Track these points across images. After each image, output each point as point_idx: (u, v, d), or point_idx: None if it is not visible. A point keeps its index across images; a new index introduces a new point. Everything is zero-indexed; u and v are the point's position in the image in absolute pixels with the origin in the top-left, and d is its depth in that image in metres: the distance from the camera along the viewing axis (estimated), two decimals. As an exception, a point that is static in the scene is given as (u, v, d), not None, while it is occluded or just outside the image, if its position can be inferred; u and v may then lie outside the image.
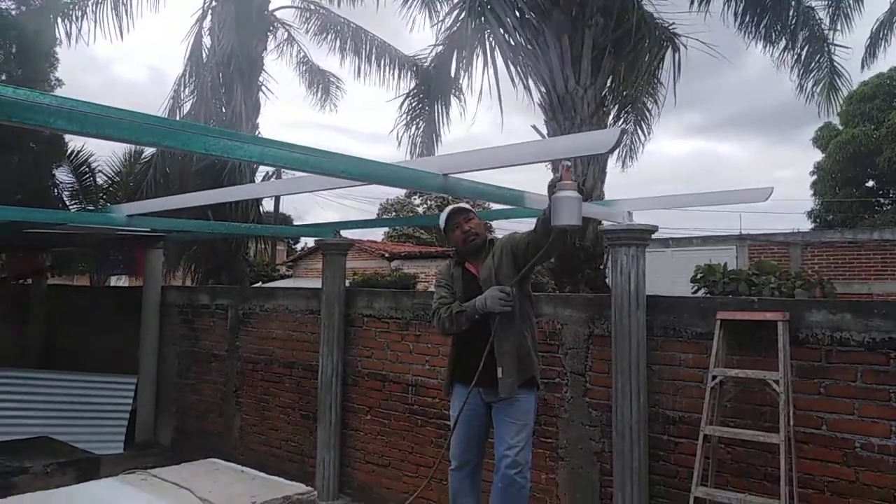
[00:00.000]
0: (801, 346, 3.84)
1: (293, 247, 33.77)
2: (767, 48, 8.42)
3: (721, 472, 4.03)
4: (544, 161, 2.97)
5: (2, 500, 4.00)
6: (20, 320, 10.02)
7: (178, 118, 10.64)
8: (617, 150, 9.91)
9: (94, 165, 12.31)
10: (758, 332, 3.97)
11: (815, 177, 26.94)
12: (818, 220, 25.96)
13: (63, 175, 11.86)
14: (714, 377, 3.89)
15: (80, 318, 9.61)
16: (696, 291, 7.54)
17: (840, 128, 24.81)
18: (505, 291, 3.11)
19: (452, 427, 3.37)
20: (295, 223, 28.75)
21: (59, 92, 9.77)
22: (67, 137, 10.35)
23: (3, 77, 8.09)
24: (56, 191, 11.48)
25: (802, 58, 8.52)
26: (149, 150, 10.71)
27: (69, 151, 11.42)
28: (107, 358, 8.71)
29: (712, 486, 3.86)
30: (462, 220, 3.38)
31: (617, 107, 9.26)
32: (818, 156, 26.52)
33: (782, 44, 8.42)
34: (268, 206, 25.37)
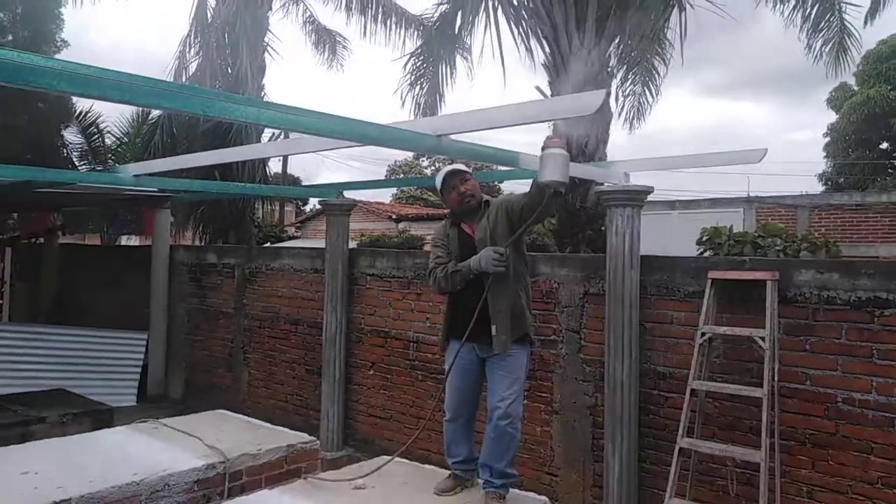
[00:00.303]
0: (789, 304, 3.93)
1: (302, 208, 33.89)
2: (777, 6, 8.27)
3: (707, 424, 4.17)
4: (532, 122, 3.01)
5: (21, 445, 4.22)
6: (33, 278, 10.26)
7: (184, 79, 10.65)
8: (624, 112, 9.87)
9: (102, 126, 12.42)
10: (748, 291, 4.06)
11: (828, 139, 26.57)
12: (829, 183, 25.69)
13: (72, 136, 11.98)
14: (703, 334, 4.00)
15: (90, 276, 9.83)
16: (701, 254, 7.60)
17: (855, 88, 24.36)
18: (499, 252, 3.18)
19: (449, 382, 3.49)
20: (303, 184, 28.79)
21: (64, 53, 9.80)
22: (75, 98, 10.41)
23: (10, 38, 8.12)
24: (65, 151, 11.60)
25: (812, 17, 8.36)
26: (156, 112, 10.76)
27: (77, 112, 11.49)
28: (117, 315, 8.95)
29: (698, 438, 4.01)
30: (458, 181, 3.42)
31: (625, 67, 9.18)
32: (833, 117, 26.13)
33: (792, 2, 8.27)
34: (276, 167, 25.43)
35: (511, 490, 3.34)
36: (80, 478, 3.32)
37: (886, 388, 3.59)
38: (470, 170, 3.55)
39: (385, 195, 31.78)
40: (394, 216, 22.13)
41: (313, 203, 30.79)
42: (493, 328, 3.25)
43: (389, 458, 3.69)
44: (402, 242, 15.48)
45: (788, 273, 3.95)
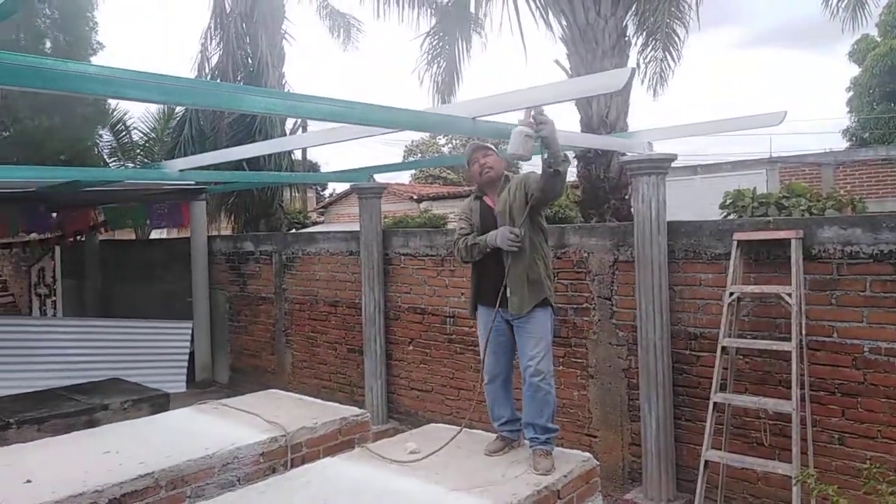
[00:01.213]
0: (813, 260, 4.08)
1: (321, 193, 34.19)
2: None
3: (740, 380, 4.36)
4: (565, 101, 3.20)
5: (95, 429, 4.53)
6: (79, 275, 10.67)
7: (206, 71, 10.89)
8: (647, 80, 9.88)
9: (128, 123, 12.72)
10: (773, 251, 4.22)
11: (850, 93, 26.05)
12: (854, 139, 25.24)
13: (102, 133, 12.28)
14: (731, 294, 4.17)
15: (132, 270, 10.22)
16: (725, 217, 7.68)
17: (878, 40, 23.81)
18: (514, 233, 3.44)
19: (483, 347, 3.72)
20: (322, 169, 29.09)
21: (101, 55, 10.01)
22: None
23: (48, 43, 8.39)
24: (96, 149, 11.91)
25: (828, -32, 8.27)
26: (180, 108, 10.99)
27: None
28: (160, 305, 9.32)
29: (730, 392, 4.20)
30: (480, 155, 3.69)
31: (644, 34, 9.18)
32: (856, 71, 25.57)
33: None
34: (295, 153, 25.67)
35: (556, 448, 3.57)
36: (157, 454, 3.59)
37: (911, 336, 3.74)
38: (494, 147, 3.76)
39: (404, 176, 31.94)
40: (415, 196, 22.29)
41: (332, 187, 31.12)
42: (508, 291, 3.49)
43: (458, 429, 3.87)
44: (425, 222, 15.70)
45: (812, 231, 4.09)
